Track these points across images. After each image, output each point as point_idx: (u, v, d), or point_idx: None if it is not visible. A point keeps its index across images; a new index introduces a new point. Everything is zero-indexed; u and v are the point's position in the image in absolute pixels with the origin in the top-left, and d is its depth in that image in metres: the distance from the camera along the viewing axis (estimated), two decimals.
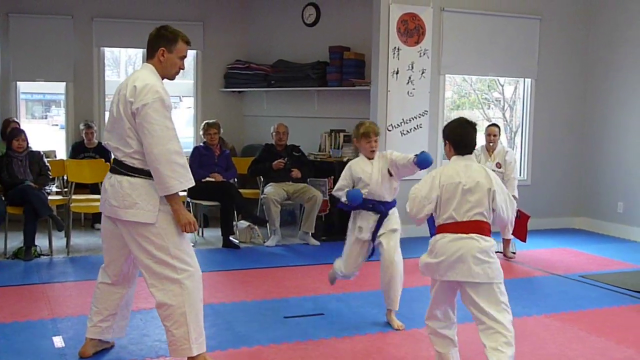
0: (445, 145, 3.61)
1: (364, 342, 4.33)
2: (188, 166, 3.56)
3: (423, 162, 4.43)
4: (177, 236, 3.58)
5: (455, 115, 12.63)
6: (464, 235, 3.38)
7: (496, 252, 4.04)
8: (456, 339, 3.63)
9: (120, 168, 3.59)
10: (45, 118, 20.04)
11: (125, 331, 4.09)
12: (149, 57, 3.69)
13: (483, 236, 3.40)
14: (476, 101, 12.79)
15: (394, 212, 4.71)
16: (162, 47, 3.62)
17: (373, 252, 4.74)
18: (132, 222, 3.53)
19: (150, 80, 3.51)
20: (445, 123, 3.84)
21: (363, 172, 4.65)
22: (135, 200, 3.51)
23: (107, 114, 9.22)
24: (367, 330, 4.55)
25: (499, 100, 12.40)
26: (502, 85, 11.94)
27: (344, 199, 4.65)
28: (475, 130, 3.59)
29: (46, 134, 14.72)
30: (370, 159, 4.71)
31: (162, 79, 3.66)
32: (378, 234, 4.63)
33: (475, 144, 3.61)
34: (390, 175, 4.64)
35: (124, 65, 17.48)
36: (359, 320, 4.77)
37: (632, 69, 8.10)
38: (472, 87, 12.23)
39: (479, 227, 3.40)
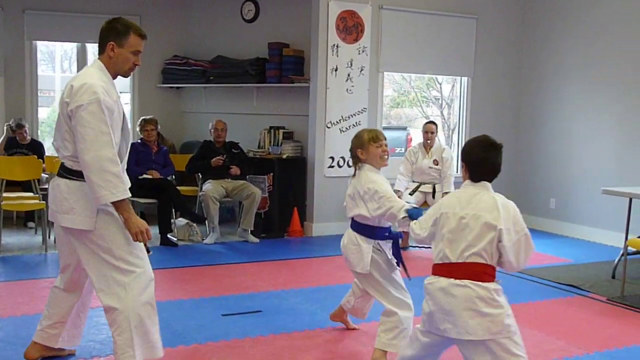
0: (462, 167, 3.12)
1: (302, 338, 4.33)
2: (121, 175, 3.27)
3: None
4: (121, 237, 3.38)
5: (394, 113, 12.80)
6: (457, 282, 2.88)
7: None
8: None
9: (61, 170, 3.41)
10: None
11: (80, 339, 3.90)
12: (100, 52, 3.45)
13: (480, 283, 2.86)
14: (415, 99, 12.96)
15: None
16: (111, 41, 3.39)
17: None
18: (73, 229, 3.36)
19: (90, 79, 3.25)
20: (464, 142, 3.19)
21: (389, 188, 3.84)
22: (72, 205, 3.32)
23: (40, 110, 8.99)
24: (305, 327, 4.55)
25: (437, 99, 12.60)
26: (440, 84, 12.13)
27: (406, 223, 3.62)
28: (499, 154, 3.03)
29: None
30: (379, 167, 3.91)
31: (115, 77, 3.45)
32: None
33: (499, 170, 3.04)
34: None
35: (59, 60, 17.03)
36: (297, 317, 4.77)
37: (565, 69, 8.34)
38: (410, 85, 12.38)
39: (475, 272, 2.87)
